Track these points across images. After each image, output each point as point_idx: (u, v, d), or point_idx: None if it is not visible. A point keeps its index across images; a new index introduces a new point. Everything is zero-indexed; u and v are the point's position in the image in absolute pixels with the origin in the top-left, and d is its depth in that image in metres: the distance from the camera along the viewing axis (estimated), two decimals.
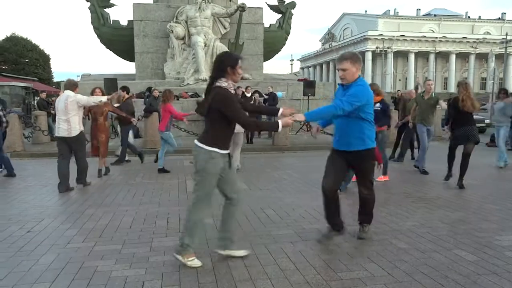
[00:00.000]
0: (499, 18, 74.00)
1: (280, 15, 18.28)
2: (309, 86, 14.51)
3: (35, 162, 8.90)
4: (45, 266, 3.23)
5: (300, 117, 3.25)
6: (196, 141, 3.15)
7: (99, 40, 16.95)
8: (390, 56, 62.26)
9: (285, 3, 17.88)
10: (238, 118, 3.07)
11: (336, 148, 3.73)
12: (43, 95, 14.50)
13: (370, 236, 3.88)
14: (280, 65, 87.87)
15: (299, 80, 17.97)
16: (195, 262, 3.19)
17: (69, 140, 5.96)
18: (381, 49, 54.17)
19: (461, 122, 6.27)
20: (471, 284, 2.88)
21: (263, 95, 14.04)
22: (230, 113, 3.03)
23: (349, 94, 3.41)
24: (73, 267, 3.19)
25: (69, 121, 5.88)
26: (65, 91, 6.02)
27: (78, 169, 6.25)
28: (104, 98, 6.31)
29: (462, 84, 6.41)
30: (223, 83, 3.07)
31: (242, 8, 15.59)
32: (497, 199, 5.42)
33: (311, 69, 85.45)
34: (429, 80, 7.79)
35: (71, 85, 6.07)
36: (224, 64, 3.09)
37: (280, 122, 3.10)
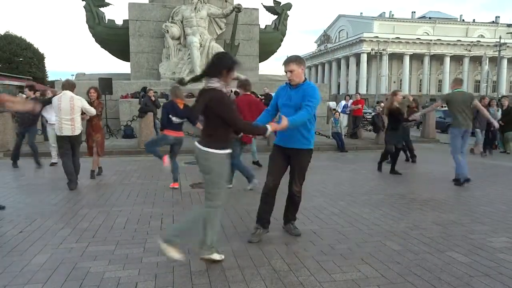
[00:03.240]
0: (493, 21, 74.63)
1: (275, 16, 18.30)
2: None
3: (29, 162, 8.83)
4: (37, 266, 3.20)
5: (283, 123, 3.36)
6: (202, 146, 3.08)
7: (94, 40, 16.86)
8: (385, 58, 62.55)
9: (280, 4, 17.89)
10: (234, 121, 3.07)
11: (279, 144, 3.87)
12: (37, 94, 14.38)
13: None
14: (276, 66, 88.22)
15: None
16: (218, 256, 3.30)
17: (71, 138, 6.19)
18: (376, 51, 54.36)
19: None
20: (464, 286, 2.89)
21: (259, 96, 14.05)
22: (226, 116, 3.03)
23: (309, 96, 3.60)
24: (66, 268, 3.17)
25: (74, 120, 6.16)
26: (64, 91, 6.20)
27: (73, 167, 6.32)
28: (94, 112, 6.50)
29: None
30: (215, 83, 3.05)
31: (238, 9, 15.60)
32: (491, 201, 5.46)
33: (306, 70, 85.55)
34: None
35: (70, 86, 6.32)
36: (221, 66, 3.07)
37: (269, 127, 3.26)
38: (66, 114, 6.08)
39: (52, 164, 8.24)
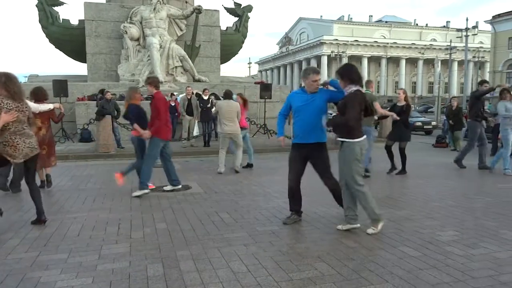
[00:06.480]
0: (444, 26, 78.57)
1: (236, 18, 18.34)
2: (265, 89, 14.64)
3: None
4: None
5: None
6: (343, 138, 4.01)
7: (47, 40, 16.19)
8: (345, 60, 64.20)
9: (241, 6, 17.96)
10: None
11: (300, 142, 4.33)
12: None
13: None
14: (238, 68, 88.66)
15: (255, 83, 18.09)
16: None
17: None
18: (336, 53, 55.78)
19: None
20: (414, 279, 3.02)
21: (220, 97, 14.01)
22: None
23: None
24: (14, 280, 3.02)
25: None
26: None
27: (13, 175, 5.95)
28: (51, 106, 6.11)
29: None
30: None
31: (198, 10, 15.50)
32: (441, 198, 5.74)
33: (268, 72, 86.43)
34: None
35: None
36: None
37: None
38: None
39: None
